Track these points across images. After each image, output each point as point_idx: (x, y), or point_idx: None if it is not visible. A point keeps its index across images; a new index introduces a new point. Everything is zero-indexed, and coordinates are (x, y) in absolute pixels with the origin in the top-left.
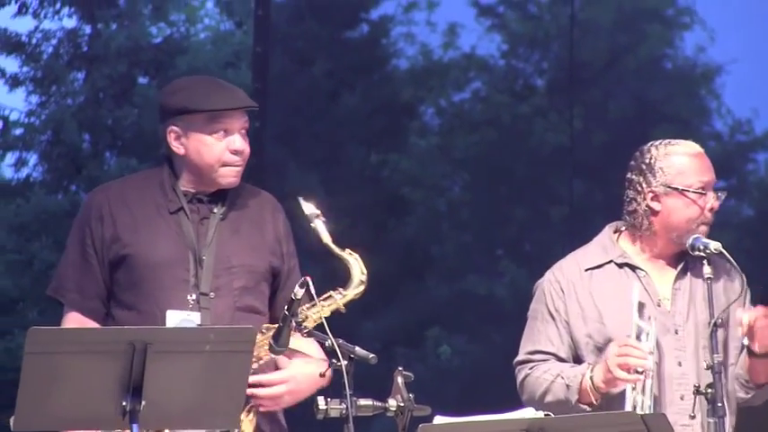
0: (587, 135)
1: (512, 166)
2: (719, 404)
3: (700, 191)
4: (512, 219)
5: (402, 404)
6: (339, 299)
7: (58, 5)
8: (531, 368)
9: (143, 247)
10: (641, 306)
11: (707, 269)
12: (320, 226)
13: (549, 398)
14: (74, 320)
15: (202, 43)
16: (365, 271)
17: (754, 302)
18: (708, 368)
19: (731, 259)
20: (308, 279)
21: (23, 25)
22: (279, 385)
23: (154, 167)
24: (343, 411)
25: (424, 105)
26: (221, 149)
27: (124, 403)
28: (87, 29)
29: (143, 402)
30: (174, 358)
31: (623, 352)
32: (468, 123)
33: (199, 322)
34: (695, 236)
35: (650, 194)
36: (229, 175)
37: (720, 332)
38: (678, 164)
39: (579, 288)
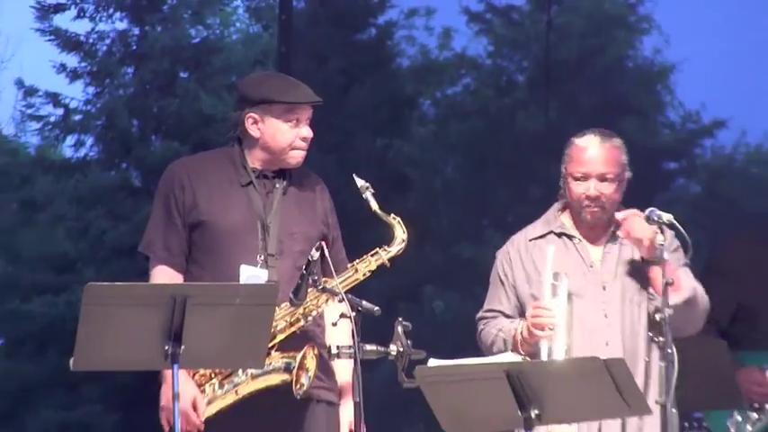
0: (561, 124)
1: (497, 151)
2: (669, 350)
3: (578, 178)
4: (497, 195)
5: (401, 349)
6: (384, 255)
7: (111, 10)
8: (484, 324)
9: (217, 214)
10: (556, 275)
11: (659, 238)
12: (370, 196)
13: (494, 349)
14: (162, 273)
15: (234, 44)
16: (405, 231)
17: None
18: (654, 312)
19: (681, 229)
20: (323, 244)
21: (82, 27)
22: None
23: (224, 147)
24: (351, 354)
25: (423, 98)
26: (293, 135)
27: (166, 347)
28: (136, 30)
29: (182, 347)
30: (208, 310)
31: (535, 314)
32: (459, 113)
33: (266, 279)
34: (650, 209)
35: (563, 178)
36: (297, 157)
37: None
38: (570, 153)
39: (524, 256)
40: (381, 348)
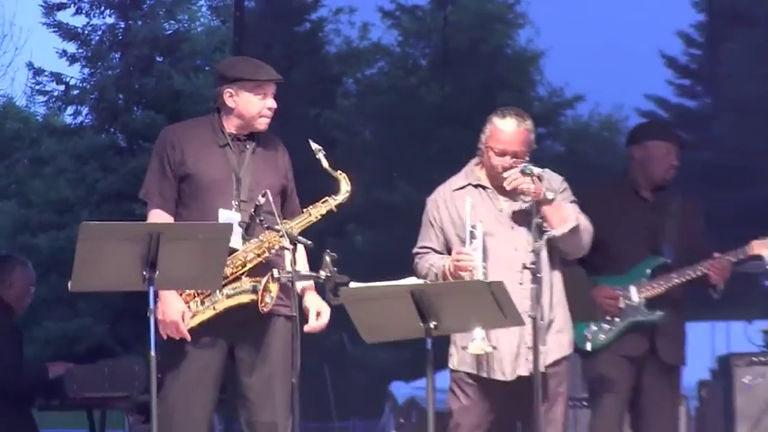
0: (454, 98)
1: (404, 118)
2: (539, 275)
3: (497, 153)
4: (405, 152)
5: (329, 274)
6: (332, 202)
7: (102, 8)
8: (419, 258)
9: (201, 169)
10: (474, 225)
11: (531, 171)
12: (321, 157)
13: (427, 280)
14: (157, 215)
15: (199, 35)
16: (349, 183)
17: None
18: (532, 251)
19: (552, 173)
20: (268, 191)
21: (79, 21)
22: (326, 315)
23: (206, 116)
24: (290, 278)
25: (346, 77)
26: (261, 105)
27: (144, 273)
28: (122, 24)
29: (157, 272)
30: (177, 244)
31: (457, 258)
32: (375, 89)
33: (239, 220)
34: (524, 164)
35: (483, 145)
36: (264, 123)
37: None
38: (492, 130)
39: (449, 203)
40: (313, 273)
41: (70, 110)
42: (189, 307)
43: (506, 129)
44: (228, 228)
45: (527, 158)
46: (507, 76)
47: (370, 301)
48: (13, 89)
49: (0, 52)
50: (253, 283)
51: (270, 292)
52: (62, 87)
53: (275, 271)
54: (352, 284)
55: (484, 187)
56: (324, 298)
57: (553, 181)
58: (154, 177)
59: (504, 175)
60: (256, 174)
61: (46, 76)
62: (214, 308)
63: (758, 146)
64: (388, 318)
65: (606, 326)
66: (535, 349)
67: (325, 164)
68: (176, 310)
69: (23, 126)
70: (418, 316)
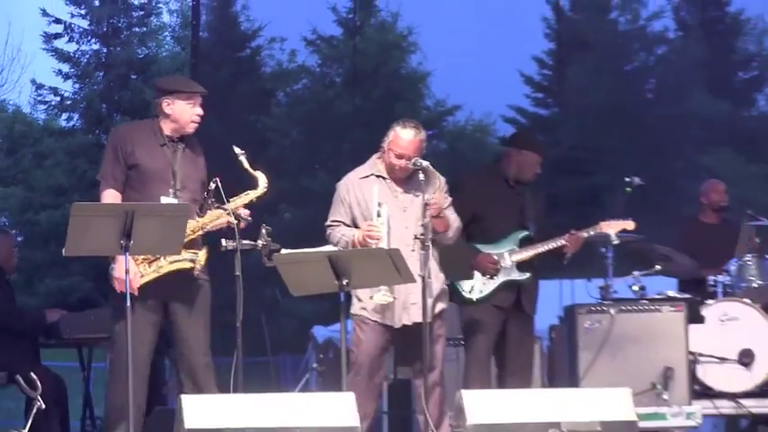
0: (362, 108)
1: (323, 124)
2: (427, 244)
3: (396, 155)
4: (324, 149)
5: (265, 243)
6: (252, 194)
7: (89, 37)
8: (330, 230)
9: (146, 161)
10: (380, 204)
11: (421, 175)
12: (243, 159)
13: (339, 247)
14: (110, 195)
15: (164, 58)
16: (266, 182)
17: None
18: (421, 225)
19: (434, 171)
20: (218, 179)
21: (71, 47)
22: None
23: (146, 119)
24: (235, 246)
25: (278, 91)
26: (192, 113)
27: (122, 242)
28: (105, 50)
29: (131, 241)
30: (147, 219)
31: (366, 229)
32: (301, 101)
33: (176, 203)
34: (414, 159)
35: (385, 146)
36: (193, 127)
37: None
38: (394, 136)
39: (357, 189)
40: (252, 242)
41: (65, 116)
42: (140, 271)
43: (406, 137)
44: (188, 207)
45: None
46: (402, 91)
47: (296, 264)
48: (20, 100)
49: (10, 71)
50: (191, 254)
51: (201, 263)
52: (58, 98)
53: (223, 241)
54: (283, 251)
55: (384, 178)
56: (262, 263)
57: (439, 179)
58: (108, 164)
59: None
60: (187, 169)
61: (45, 89)
62: (158, 271)
63: (595, 145)
64: (310, 276)
65: (486, 282)
66: (424, 300)
67: (245, 165)
68: (133, 271)
69: (28, 128)
70: (333, 275)
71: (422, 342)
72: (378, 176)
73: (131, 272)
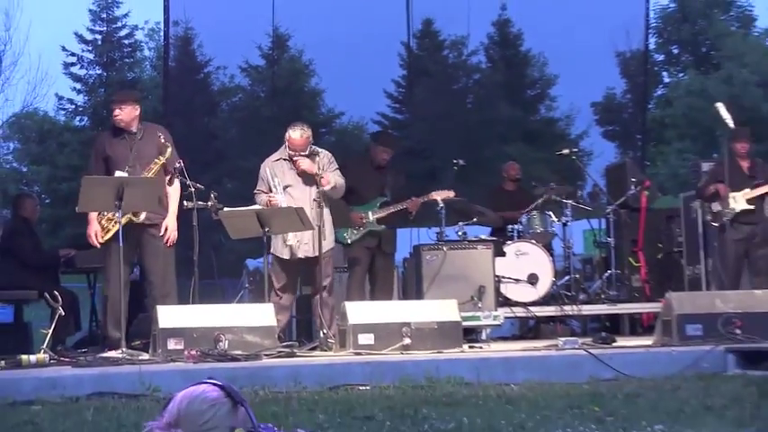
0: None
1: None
2: (321, 204)
3: (291, 148)
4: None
5: (213, 204)
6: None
7: (95, 66)
8: (256, 194)
9: (113, 152)
10: (279, 181)
11: (317, 158)
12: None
13: (262, 206)
14: (96, 175)
15: (145, 80)
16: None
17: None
18: (318, 192)
19: (324, 151)
20: (181, 161)
21: (82, 72)
22: (171, 230)
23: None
24: (192, 206)
25: (223, 102)
26: (115, 114)
27: (116, 202)
28: (105, 73)
29: (123, 202)
30: (134, 186)
31: (271, 198)
32: (238, 109)
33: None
34: (312, 146)
35: (288, 139)
36: (122, 123)
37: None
38: (289, 133)
39: (271, 168)
40: (205, 203)
41: (77, 118)
42: (102, 225)
43: (294, 136)
44: (155, 181)
45: (310, 144)
46: (306, 102)
47: (234, 218)
48: (48, 107)
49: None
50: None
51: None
52: (73, 106)
53: (185, 202)
54: (225, 209)
55: (288, 160)
56: (211, 217)
57: (326, 157)
58: (92, 162)
59: (294, 159)
60: (141, 151)
61: (65, 100)
62: (119, 224)
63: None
64: (243, 226)
65: (357, 231)
66: (320, 242)
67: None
68: (96, 227)
69: (53, 127)
70: (259, 225)
71: (317, 270)
72: (285, 159)
73: (94, 231)
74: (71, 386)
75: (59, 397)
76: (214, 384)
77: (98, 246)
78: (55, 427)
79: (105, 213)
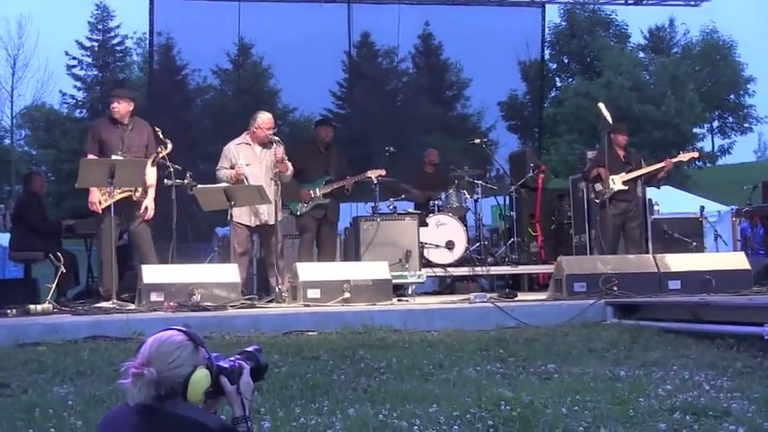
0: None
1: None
2: (277, 182)
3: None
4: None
5: (188, 181)
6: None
7: (93, 68)
8: (219, 171)
9: (108, 137)
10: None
11: (280, 146)
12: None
13: (225, 182)
14: (91, 157)
15: (134, 80)
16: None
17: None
18: (274, 173)
19: (279, 139)
20: (163, 148)
21: (82, 72)
22: (149, 208)
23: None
24: (172, 183)
25: (198, 99)
26: (113, 107)
27: (109, 179)
28: (101, 74)
29: (114, 179)
30: (123, 168)
31: (238, 171)
32: (210, 105)
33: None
34: (271, 135)
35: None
36: (119, 115)
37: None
38: (257, 117)
39: (235, 150)
40: (181, 181)
41: (77, 111)
42: (102, 197)
43: (266, 117)
44: (144, 162)
45: (274, 132)
46: (265, 99)
47: (206, 193)
48: (53, 101)
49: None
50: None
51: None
52: (74, 101)
53: (165, 180)
54: (199, 186)
55: (249, 144)
56: (186, 192)
57: (281, 144)
58: (89, 142)
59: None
60: (131, 140)
61: (67, 96)
62: (113, 197)
63: (369, 130)
64: (213, 199)
65: (306, 205)
66: (276, 213)
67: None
68: (98, 196)
69: (57, 118)
70: (226, 199)
71: (272, 235)
72: (246, 144)
73: (96, 199)
74: (70, 331)
75: (60, 339)
76: (178, 330)
77: (99, 211)
78: (57, 364)
79: (105, 188)
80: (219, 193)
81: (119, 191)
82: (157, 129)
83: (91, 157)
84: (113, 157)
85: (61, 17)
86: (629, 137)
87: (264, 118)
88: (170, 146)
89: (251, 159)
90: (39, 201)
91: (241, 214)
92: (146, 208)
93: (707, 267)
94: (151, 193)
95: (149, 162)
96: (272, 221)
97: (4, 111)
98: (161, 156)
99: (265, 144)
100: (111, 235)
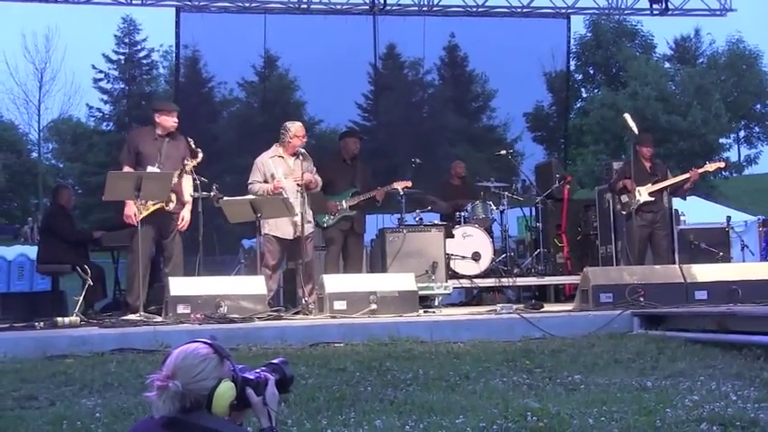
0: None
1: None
2: (304, 194)
3: (301, 136)
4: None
5: (215, 194)
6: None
7: (119, 81)
8: (250, 185)
9: (146, 149)
10: (282, 172)
11: (301, 157)
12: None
13: (258, 195)
14: (127, 170)
15: (160, 93)
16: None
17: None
18: (300, 185)
19: (307, 153)
20: (190, 161)
21: (108, 86)
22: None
23: (148, 125)
24: (199, 195)
25: (224, 111)
26: (173, 121)
27: (136, 192)
28: (127, 88)
29: (141, 192)
30: (150, 181)
31: (276, 183)
32: (236, 117)
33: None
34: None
35: (287, 133)
36: (173, 128)
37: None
38: (291, 128)
39: (266, 162)
40: (208, 193)
41: (104, 124)
42: (139, 209)
43: (297, 126)
44: (170, 175)
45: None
46: (291, 111)
47: (233, 205)
48: (80, 114)
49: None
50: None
51: (173, 202)
52: (100, 114)
53: (194, 192)
54: (225, 198)
55: (281, 156)
56: (213, 205)
57: (309, 158)
58: (126, 153)
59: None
60: (169, 152)
61: (94, 109)
62: (147, 209)
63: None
64: (240, 212)
65: (333, 217)
66: (303, 227)
67: (200, 156)
68: (134, 209)
69: (84, 131)
70: (253, 211)
71: (300, 248)
72: (279, 157)
73: (132, 212)
74: (98, 343)
75: (88, 352)
76: (204, 342)
77: (135, 224)
78: (84, 376)
79: (141, 201)
80: (246, 205)
81: (152, 203)
82: (189, 139)
83: (126, 169)
84: (149, 168)
85: (88, 31)
86: (654, 147)
87: (297, 126)
88: (201, 156)
89: (287, 172)
90: (66, 213)
91: (278, 227)
92: (182, 218)
93: (733, 277)
94: (188, 204)
95: (178, 173)
96: (297, 233)
97: (32, 124)
98: (191, 166)
99: (294, 155)
100: (142, 247)
